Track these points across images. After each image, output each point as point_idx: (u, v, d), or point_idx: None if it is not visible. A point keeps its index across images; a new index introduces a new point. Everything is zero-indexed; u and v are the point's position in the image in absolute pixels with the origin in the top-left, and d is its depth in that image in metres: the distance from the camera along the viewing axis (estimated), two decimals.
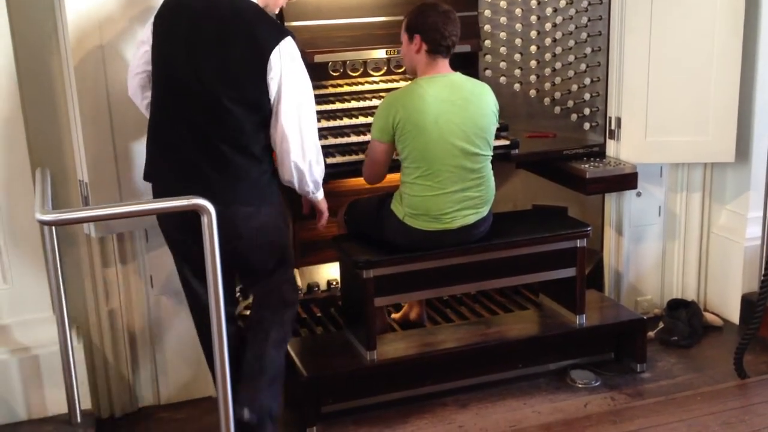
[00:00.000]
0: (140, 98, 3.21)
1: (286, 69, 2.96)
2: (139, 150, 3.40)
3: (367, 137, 3.86)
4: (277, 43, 2.93)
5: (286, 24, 3.74)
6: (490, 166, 3.65)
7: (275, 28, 3.00)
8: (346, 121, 3.95)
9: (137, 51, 3.15)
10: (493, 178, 3.67)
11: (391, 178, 3.75)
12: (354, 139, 3.88)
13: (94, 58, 3.26)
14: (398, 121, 3.45)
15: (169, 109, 3.04)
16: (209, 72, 2.95)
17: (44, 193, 3.11)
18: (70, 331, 3.27)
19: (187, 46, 2.96)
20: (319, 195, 3.30)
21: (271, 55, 2.92)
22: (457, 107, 3.50)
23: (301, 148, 3.05)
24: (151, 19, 3.08)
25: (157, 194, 3.15)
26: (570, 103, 4.30)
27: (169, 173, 3.08)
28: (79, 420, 3.32)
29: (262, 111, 3.00)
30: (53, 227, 3.09)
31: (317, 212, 3.42)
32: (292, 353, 3.68)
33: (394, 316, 4.25)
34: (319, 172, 3.18)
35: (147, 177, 3.18)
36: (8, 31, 3.18)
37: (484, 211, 3.67)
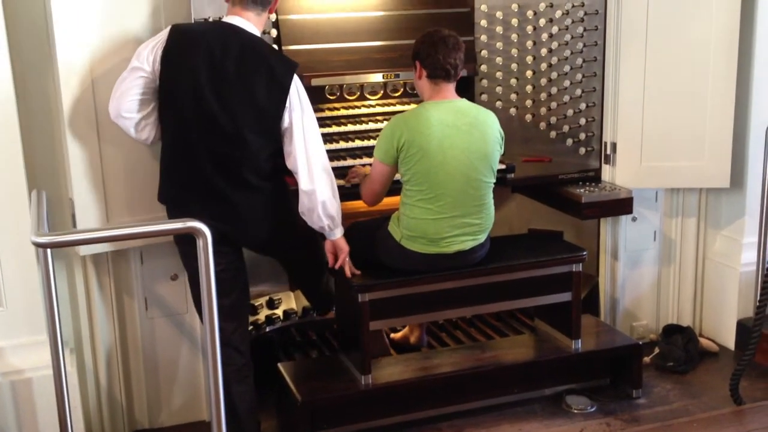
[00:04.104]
0: (127, 121, 3.23)
1: (295, 104, 3.20)
2: (127, 168, 3.44)
3: (364, 161, 3.87)
4: (291, 78, 3.19)
5: (284, 48, 3.74)
6: (492, 194, 3.65)
7: (285, 63, 3.23)
8: (342, 144, 3.95)
9: (130, 75, 3.19)
10: (493, 206, 3.67)
11: (390, 201, 3.75)
12: (350, 162, 3.88)
13: (83, 77, 3.30)
14: (403, 143, 3.46)
15: (190, 140, 3.19)
16: (236, 108, 3.15)
17: (40, 215, 3.09)
18: (64, 355, 3.24)
19: (210, 83, 3.13)
20: (337, 233, 3.39)
21: (290, 92, 3.18)
22: (461, 132, 3.49)
23: (308, 174, 3.21)
24: (149, 49, 3.17)
25: (176, 217, 3.26)
26: (565, 128, 4.31)
27: (193, 198, 3.23)
28: None
29: (277, 139, 3.24)
30: (48, 249, 3.07)
31: (337, 250, 3.46)
32: (287, 377, 3.66)
33: (393, 336, 4.24)
34: (335, 208, 3.30)
35: (164, 200, 3.32)
36: (7, 54, 3.19)
37: (482, 238, 3.66)
